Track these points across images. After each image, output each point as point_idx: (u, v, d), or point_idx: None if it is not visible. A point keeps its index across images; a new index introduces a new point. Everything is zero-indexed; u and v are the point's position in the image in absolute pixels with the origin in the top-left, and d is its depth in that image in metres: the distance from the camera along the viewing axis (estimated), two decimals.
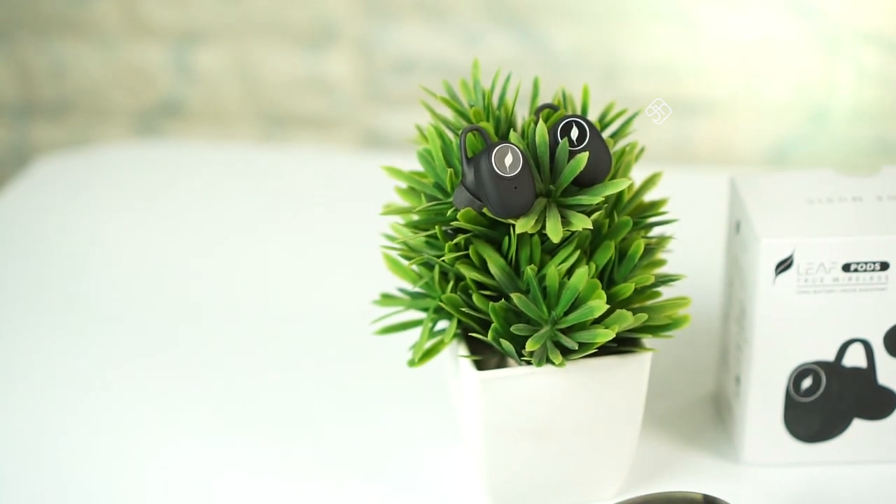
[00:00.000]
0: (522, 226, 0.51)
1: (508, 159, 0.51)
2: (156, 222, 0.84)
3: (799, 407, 0.58)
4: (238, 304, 0.74)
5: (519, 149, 0.51)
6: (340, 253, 0.80)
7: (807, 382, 0.57)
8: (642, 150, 0.55)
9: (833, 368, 0.57)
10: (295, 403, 0.65)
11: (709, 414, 0.63)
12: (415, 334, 0.59)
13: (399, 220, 0.56)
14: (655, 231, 0.62)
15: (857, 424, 0.58)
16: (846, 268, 0.55)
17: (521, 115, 0.57)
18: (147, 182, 0.90)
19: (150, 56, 0.99)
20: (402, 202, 0.57)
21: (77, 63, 1.00)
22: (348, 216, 0.83)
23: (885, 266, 0.54)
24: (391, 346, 0.66)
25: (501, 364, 0.57)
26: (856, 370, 0.57)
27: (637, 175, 0.57)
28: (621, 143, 0.57)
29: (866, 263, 0.54)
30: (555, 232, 0.51)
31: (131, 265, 0.79)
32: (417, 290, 0.57)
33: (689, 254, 0.61)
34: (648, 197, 0.61)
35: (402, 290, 0.58)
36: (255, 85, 0.99)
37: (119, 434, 0.63)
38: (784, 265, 0.55)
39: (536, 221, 0.51)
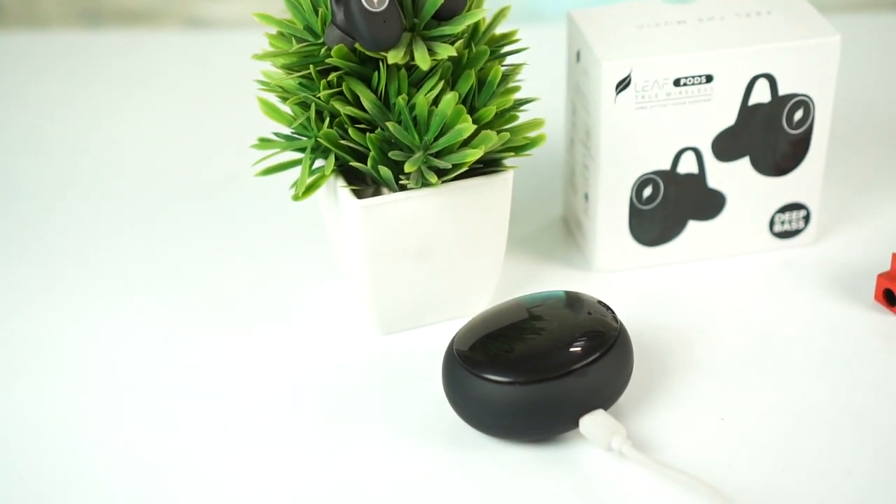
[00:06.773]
0: (393, 57, 0.55)
1: None
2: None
3: (642, 214, 0.64)
4: (104, 177, 0.76)
5: None
6: (188, 122, 0.82)
7: (647, 191, 0.64)
8: None
9: (669, 176, 0.64)
10: (175, 255, 0.68)
11: (560, 234, 0.70)
12: (290, 176, 0.63)
13: (270, 66, 0.59)
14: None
15: (693, 225, 0.65)
16: (677, 82, 0.61)
17: None
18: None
19: None
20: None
21: None
22: (185, 89, 0.86)
23: (709, 78, 0.61)
24: (258, 199, 0.69)
25: (377, 195, 0.61)
26: (689, 176, 0.64)
27: None
28: None
29: (694, 77, 0.61)
30: (423, 60, 0.55)
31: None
32: (293, 133, 0.60)
33: (529, 87, 0.66)
34: (498, 30, 0.66)
35: (277, 134, 0.61)
36: None
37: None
38: (623, 84, 0.61)
39: (405, 53, 0.56)
